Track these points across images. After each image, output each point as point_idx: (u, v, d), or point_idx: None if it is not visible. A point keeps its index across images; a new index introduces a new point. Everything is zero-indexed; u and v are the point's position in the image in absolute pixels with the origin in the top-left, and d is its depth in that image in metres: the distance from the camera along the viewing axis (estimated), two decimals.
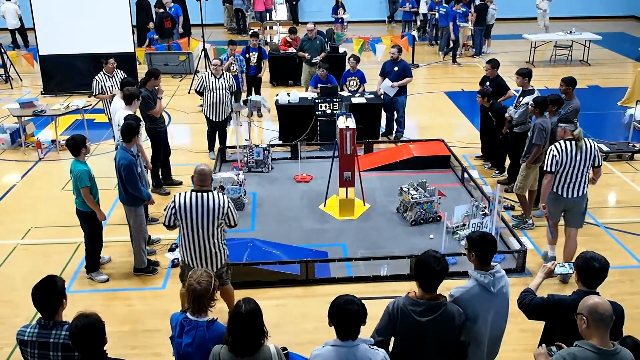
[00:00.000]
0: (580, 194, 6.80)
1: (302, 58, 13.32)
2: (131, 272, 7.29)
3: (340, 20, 20.24)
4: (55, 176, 10.06)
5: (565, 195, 6.79)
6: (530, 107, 8.04)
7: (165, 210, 5.61)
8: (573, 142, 6.62)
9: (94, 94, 10.15)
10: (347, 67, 12.18)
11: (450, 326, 3.96)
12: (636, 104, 11.50)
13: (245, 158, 9.91)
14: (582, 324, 3.58)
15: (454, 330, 3.98)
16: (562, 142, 6.67)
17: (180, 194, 5.50)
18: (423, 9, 20.28)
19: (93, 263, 7.25)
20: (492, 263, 4.25)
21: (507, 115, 8.89)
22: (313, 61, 12.87)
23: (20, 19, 19.13)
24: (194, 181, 5.55)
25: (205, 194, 5.43)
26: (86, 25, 13.99)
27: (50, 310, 3.90)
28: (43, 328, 3.90)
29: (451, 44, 17.47)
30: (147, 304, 6.77)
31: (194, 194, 5.44)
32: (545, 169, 6.76)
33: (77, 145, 6.74)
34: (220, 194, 5.49)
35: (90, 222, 7.00)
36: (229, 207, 5.48)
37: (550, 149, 6.72)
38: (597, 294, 4.03)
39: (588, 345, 3.54)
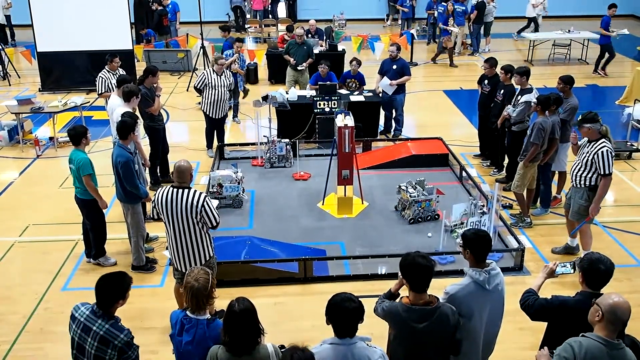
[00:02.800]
0: None
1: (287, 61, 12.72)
2: (129, 270, 7.27)
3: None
4: (53, 173, 10.05)
5: None
6: (533, 104, 8.05)
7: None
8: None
9: (99, 92, 9.91)
10: (348, 68, 12.15)
11: (446, 327, 3.97)
12: (634, 103, 11.51)
13: (268, 154, 9.88)
14: (596, 316, 3.58)
15: (450, 330, 4.00)
16: (607, 142, 6.74)
17: (161, 188, 5.52)
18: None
19: (99, 249, 7.32)
20: (487, 261, 4.26)
21: (505, 113, 8.89)
22: (299, 68, 12.38)
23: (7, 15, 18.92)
24: (173, 177, 5.56)
25: (182, 190, 5.40)
26: (84, 22, 13.97)
27: (106, 302, 3.96)
28: (93, 314, 3.97)
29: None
30: (145, 301, 6.76)
31: (173, 189, 5.42)
32: (606, 172, 6.70)
33: (78, 135, 6.85)
34: (198, 192, 5.41)
35: (92, 210, 7.05)
36: (203, 206, 5.37)
37: (607, 151, 6.68)
38: (602, 295, 4.03)
39: (595, 337, 3.56)
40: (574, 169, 7.01)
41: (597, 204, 6.89)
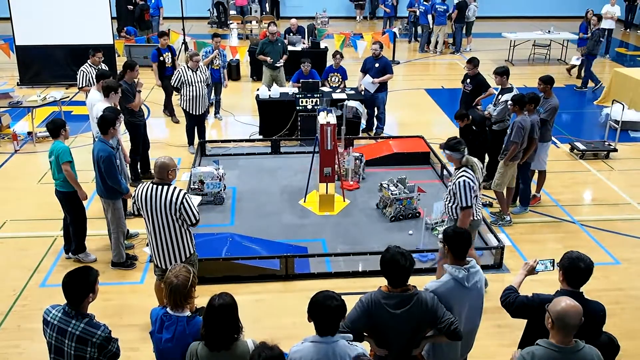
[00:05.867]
0: None
1: (262, 61, 12.49)
2: (109, 266, 7.22)
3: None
4: (32, 168, 9.92)
5: None
6: (509, 105, 8.13)
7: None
8: None
9: (80, 85, 9.82)
10: (330, 63, 12.15)
11: (425, 311, 4.01)
12: (612, 104, 11.67)
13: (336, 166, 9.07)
14: (548, 322, 3.65)
15: (429, 314, 4.03)
16: (467, 171, 6.15)
17: (141, 185, 5.49)
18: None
19: (79, 244, 7.25)
20: (467, 258, 4.30)
21: (486, 112, 8.97)
22: (277, 65, 12.24)
23: None
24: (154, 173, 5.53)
25: (162, 187, 5.37)
26: (64, 16, 13.78)
27: (76, 298, 3.91)
28: (65, 315, 3.92)
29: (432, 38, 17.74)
30: (125, 298, 6.71)
31: (153, 186, 5.40)
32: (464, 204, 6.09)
33: (56, 128, 6.84)
34: (178, 189, 5.38)
35: (72, 203, 6.99)
36: (182, 203, 5.34)
37: (466, 181, 6.06)
38: (581, 293, 4.08)
39: (547, 344, 3.60)
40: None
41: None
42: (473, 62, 9.80)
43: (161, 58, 11.81)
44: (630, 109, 12.05)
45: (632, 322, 6.39)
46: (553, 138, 9.45)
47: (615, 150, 10.74)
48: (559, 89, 13.87)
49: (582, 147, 10.70)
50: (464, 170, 6.10)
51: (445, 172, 9.48)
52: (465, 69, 10.00)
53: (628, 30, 22.37)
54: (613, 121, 11.50)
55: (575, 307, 3.57)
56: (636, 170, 10.24)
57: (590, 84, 14.92)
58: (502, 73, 8.89)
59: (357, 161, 9.38)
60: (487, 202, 8.91)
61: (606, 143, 10.97)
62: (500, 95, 8.86)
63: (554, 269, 4.43)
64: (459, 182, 6.05)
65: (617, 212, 8.82)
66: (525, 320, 4.33)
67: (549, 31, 17.66)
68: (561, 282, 4.16)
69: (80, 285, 3.91)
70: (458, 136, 10.41)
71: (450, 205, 6.30)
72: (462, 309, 4.27)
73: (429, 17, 18.13)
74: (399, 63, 17.04)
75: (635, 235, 8.13)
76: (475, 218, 6.30)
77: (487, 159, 9.46)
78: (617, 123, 11.20)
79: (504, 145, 8.05)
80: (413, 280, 4.06)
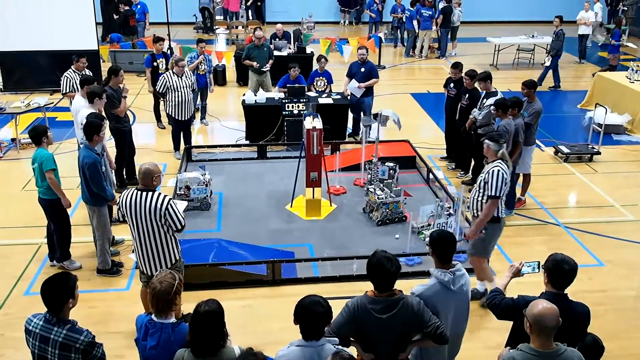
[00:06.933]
0: None
1: (248, 66, 12.43)
2: (94, 274, 7.17)
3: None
4: (16, 175, 9.83)
5: None
6: (492, 109, 8.20)
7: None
8: None
9: (64, 91, 9.72)
10: (315, 67, 12.17)
11: (411, 316, 4.02)
12: (595, 107, 11.79)
13: (370, 175, 9.16)
14: (527, 327, 3.68)
15: (416, 318, 4.04)
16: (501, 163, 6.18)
17: (126, 191, 5.47)
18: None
19: (64, 252, 7.19)
20: (453, 262, 4.32)
21: (471, 117, 9.03)
22: (263, 70, 12.24)
23: None
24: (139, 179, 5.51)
25: (146, 193, 5.35)
26: (48, 21, 13.68)
27: (55, 306, 3.88)
28: (47, 322, 3.89)
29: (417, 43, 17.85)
30: (111, 305, 6.66)
31: (137, 192, 5.38)
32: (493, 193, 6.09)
33: (38, 135, 6.80)
34: (162, 195, 5.36)
35: (56, 210, 6.94)
36: (167, 209, 5.32)
37: (499, 171, 6.09)
38: (566, 295, 4.12)
39: (528, 349, 3.63)
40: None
41: (476, 227, 6.28)
42: (459, 68, 9.88)
43: (155, 64, 11.74)
44: (613, 112, 12.19)
45: (616, 322, 6.45)
46: (537, 141, 9.55)
47: (598, 153, 10.86)
48: (542, 93, 14.02)
49: (566, 150, 10.81)
50: (499, 162, 6.17)
51: (431, 175, 9.52)
52: (450, 74, 10.06)
53: (611, 34, 22.60)
54: (596, 124, 11.62)
55: (551, 309, 3.60)
56: (619, 173, 10.36)
57: (551, 84, 15.31)
58: (484, 79, 8.99)
59: (391, 171, 9.10)
60: None
61: (590, 146, 11.08)
62: (484, 99, 8.93)
63: (539, 271, 4.46)
64: (492, 170, 6.09)
65: (600, 214, 8.91)
66: (512, 322, 4.36)
67: (533, 36, 17.83)
68: (546, 284, 4.19)
69: (59, 291, 3.88)
70: (444, 139, 10.58)
71: (479, 199, 6.27)
72: (448, 312, 4.28)
73: (415, 22, 18.25)
74: (384, 68, 17.11)
75: (619, 237, 8.22)
76: (502, 216, 6.32)
77: (472, 162, 9.54)
78: (600, 126, 11.32)
79: None
80: (400, 284, 4.07)
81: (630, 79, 12.87)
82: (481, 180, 6.25)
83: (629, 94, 12.54)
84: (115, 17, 17.78)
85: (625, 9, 22.00)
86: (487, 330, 6.03)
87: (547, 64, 15.11)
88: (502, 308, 4.31)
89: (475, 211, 6.34)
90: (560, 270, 4.09)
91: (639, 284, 7.28)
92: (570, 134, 12.16)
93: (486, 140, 6.31)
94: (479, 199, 6.25)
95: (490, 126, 8.79)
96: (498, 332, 5.61)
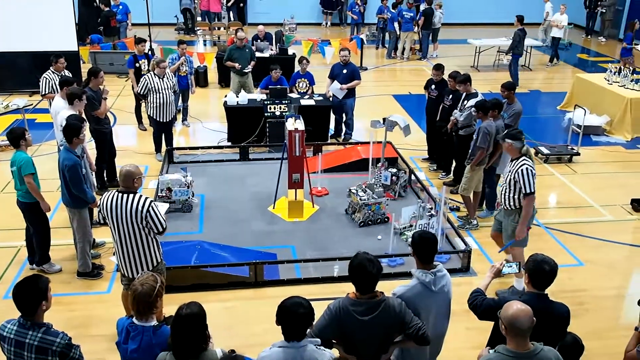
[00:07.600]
0: None
1: (230, 67, 12.44)
2: (75, 276, 7.09)
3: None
4: None
5: None
6: (473, 112, 8.26)
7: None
8: None
9: (43, 93, 9.58)
10: (297, 68, 12.17)
11: (393, 317, 4.04)
12: (574, 108, 11.93)
13: (373, 180, 9.00)
14: (502, 329, 3.71)
15: (397, 320, 4.06)
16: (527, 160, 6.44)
17: (106, 193, 5.43)
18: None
19: (43, 255, 7.12)
20: (435, 262, 4.34)
21: (452, 118, 9.09)
22: (245, 71, 12.23)
23: None
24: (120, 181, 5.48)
25: (127, 195, 5.32)
26: (27, 22, 13.51)
27: (28, 309, 3.83)
28: (21, 327, 3.83)
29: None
30: (92, 308, 6.60)
31: (118, 194, 5.34)
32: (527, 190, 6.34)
33: (16, 137, 6.71)
34: (144, 198, 5.33)
35: (35, 214, 6.86)
36: (149, 211, 5.28)
37: (528, 168, 6.33)
38: (546, 295, 4.16)
39: (505, 351, 3.66)
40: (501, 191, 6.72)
41: (522, 225, 6.55)
42: (441, 70, 9.95)
43: (137, 65, 11.64)
44: (592, 113, 12.35)
45: (596, 322, 6.53)
46: None
47: (578, 154, 10.99)
48: (522, 94, 14.16)
49: (546, 151, 10.92)
50: (524, 159, 6.39)
51: (412, 177, 9.56)
52: (431, 75, 10.12)
53: (589, 36, 22.92)
54: (575, 126, 11.75)
55: (524, 310, 3.62)
56: (598, 173, 10.50)
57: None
58: (463, 81, 9.06)
59: (394, 177, 9.13)
60: (455, 207, 9.02)
61: (569, 147, 11.21)
62: (465, 101, 8.99)
63: (519, 271, 4.50)
64: (521, 170, 6.31)
65: (580, 214, 9.01)
66: (493, 322, 4.39)
67: None
68: (526, 284, 4.23)
69: (30, 294, 3.83)
70: (425, 141, 10.63)
71: (509, 195, 6.50)
72: (430, 312, 4.30)
73: (396, 24, 18.35)
74: (366, 69, 17.16)
75: (598, 237, 8.33)
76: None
77: (454, 163, 9.60)
78: (580, 127, 11.45)
79: (470, 150, 8.16)
80: (382, 285, 4.08)
81: (608, 80, 13.06)
82: (510, 178, 6.46)
83: (608, 96, 12.72)
84: (98, 20, 17.60)
85: (604, 11, 22.30)
86: (469, 330, 6.07)
87: (506, 63, 15.48)
88: (483, 309, 4.33)
89: (506, 204, 6.58)
90: (541, 271, 4.13)
91: (619, 283, 7.38)
92: (550, 135, 12.29)
93: (507, 140, 6.50)
94: (510, 195, 6.49)
95: (472, 127, 8.86)
96: (480, 332, 5.63)
